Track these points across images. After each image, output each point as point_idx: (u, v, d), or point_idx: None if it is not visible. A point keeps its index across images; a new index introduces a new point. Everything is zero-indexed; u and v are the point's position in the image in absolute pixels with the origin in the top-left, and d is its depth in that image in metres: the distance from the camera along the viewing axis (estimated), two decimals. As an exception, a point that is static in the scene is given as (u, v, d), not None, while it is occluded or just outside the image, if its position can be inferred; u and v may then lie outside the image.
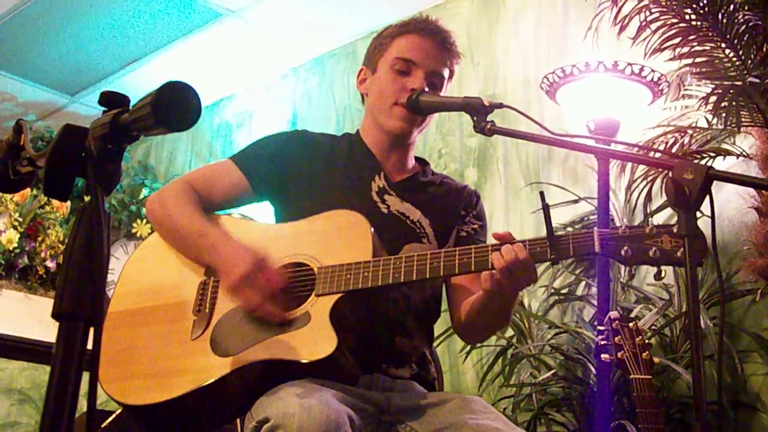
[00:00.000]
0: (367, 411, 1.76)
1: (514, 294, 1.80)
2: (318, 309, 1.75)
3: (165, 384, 1.76)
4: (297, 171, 2.04)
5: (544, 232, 1.68)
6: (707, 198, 1.36)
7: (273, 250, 1.88)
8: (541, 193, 1.66)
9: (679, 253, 1.58)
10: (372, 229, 1.84)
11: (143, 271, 2.01)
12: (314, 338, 1.70)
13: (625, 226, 1.66)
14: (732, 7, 2.63)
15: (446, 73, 2.07)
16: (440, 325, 2.13)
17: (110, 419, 3.09)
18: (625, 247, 1.63)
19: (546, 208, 1.65)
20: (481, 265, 1.72)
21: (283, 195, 2.05)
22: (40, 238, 4.01)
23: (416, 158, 2.18)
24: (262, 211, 2.20)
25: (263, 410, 1.60)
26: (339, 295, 1.76)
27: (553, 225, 1.68)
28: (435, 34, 2.06)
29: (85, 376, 0.98)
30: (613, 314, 2.02)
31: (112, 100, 1.05)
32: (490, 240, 2.16)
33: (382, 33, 2.13)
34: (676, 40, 2.74)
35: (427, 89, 1.98)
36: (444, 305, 2.09)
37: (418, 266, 1.75)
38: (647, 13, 2.76)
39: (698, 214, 1.37)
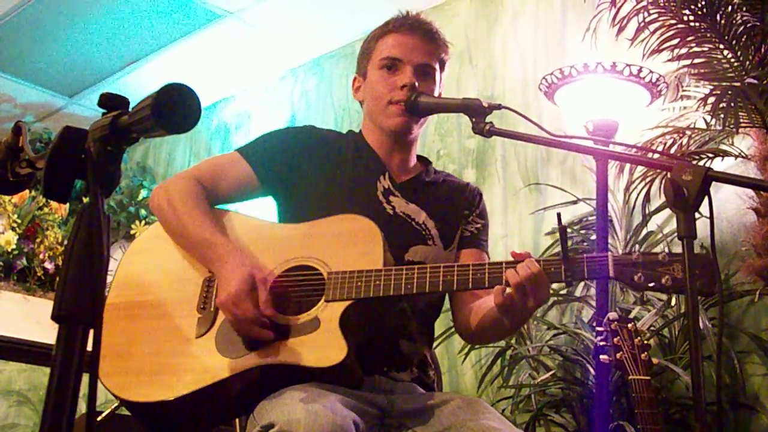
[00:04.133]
0: (371, 414, 1.75)
1: (526, 312, 1.75)
2: (328, 315, 1.74)
3: (167, 382, 1.75)
4: (305, 167, 2.02)
5: (542, 233, 1.69)
6: (706, 199, 1.37)
7: (281, 251, 1.87)
8: (558, 216, 1.66)
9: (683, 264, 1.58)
10: (383, 236, 1.82)
11: (143, 263, 1.98)
12: (324, 345, 1.69)
13: (638, 252, 1.68)
14: (730, 8, 2.63)
15: (435, 64, 2.06)
16: (440, 326, 2.13)
17: (104, 414, 3.09)
18: (639, 274, 1.64)
19: (563, 231, 1.65)
20: (494, 281, 1.71)
21: (290, 191, 2.03)
22: (38, 240, 4.00)
23: (418, 157, 2.17)
24: (262, 208, 2.19)
25: (267, 415, 1.59)
26: (349, 303, 1.74)
27: (552, 225, 1.68)
28: (415, 28, 2.06)
29: (85, 378, 0.97)
30: (612, 315, 2.02)
31: (111, 102, 1.05)
32: (492, 237, 2.16)
33: (367, 38, 2.13)
34: (675, 41, 2.74)
35: (417, 83, 1.98)
36: (445, 305, 2.09)
37: (431, 279, 1.74)
38: (646, 14, 2.76)
39: (697, 215, 1.37)
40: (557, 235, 1.72)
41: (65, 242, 3.85)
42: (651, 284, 1.63)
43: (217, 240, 1.86)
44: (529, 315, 1.81)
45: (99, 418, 3.07)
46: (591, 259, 1.68)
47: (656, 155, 2.57)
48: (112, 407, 3.09)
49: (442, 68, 2.09)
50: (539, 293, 1.69)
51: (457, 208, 2.09)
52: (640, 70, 2.76)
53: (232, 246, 1.85)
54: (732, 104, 2.55)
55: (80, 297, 0.98)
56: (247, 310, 1.72)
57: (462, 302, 2.00)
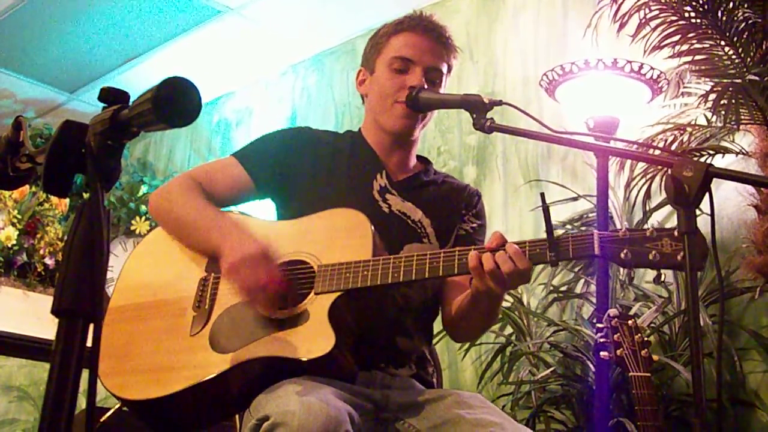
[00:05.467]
0: (366, 408, 1.76)
1: (503, 295, 1.81)
2: (317, 307, 1.75)
3: (163, 379, 1.76)
4: (300, 168, 2.04)
5: (543, 230, 1.68)
6: (707, 195, 1.36)
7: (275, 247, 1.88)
8: (542, 195, 1.65)
9: (679, 257, 1.57)
10: (372, 228, 1.83)
11: (144, 267, 2.01)
12: (312, 336, 1.70)
13: (625, 228, 1.66)
14: (731, 4, 2.63)
15: (444, 68, 2.06)
16: (439, 323, 2.13)
17: (107, 415, 3.09)
18: (625, 250, 1.62)
19: (546, 210, 1.64)
20: None
21: (286, 192, 2.04)
22: (38, 235, 4.01)
23: (419, 157, 2.18)
24: (262, 209, 2.19)
25: (263, 408, 1.60)
26: (338, 294, 1.75)
27: (553, 223, 1.67)
28: (430, 30, 2.05)
29: (85, 374, 0.97)
30: (612, 312, 2.02)
31: (111, 96, 1.05)
32: (489, 235, 2.16)
33: (378, 33, 2.12)
34: (676, 38, 2.74)
35: (426, 86, 1.98)
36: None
37: (417, 266, 1.75)
38: (647, 10, 2.76)
39: (697, 211, 1.37)
40: (557, 231, 1.71)
41: (65, 237, 3.85)
42: (639, 261, 1.62)
43: (219, 218, 1.90)
44: (503, 297, 1.86)
45: (106, 416, 3.07)
46: (576, 238, 1.67)
47: (657, 152, 2.56)
48: (118, 405, 3.09)
49: (449, 72, 2.09)
50: (521, 279, 1.71)
51: (454, 208, 2.10)
52: (641, 67, 2.75)
53: (234, 222, 1.88)
54: (733, 101, 2.55)
55: (80, 292, 0.98)
56: (261, 274, 1.73)
57: (451, 296, 2.01)
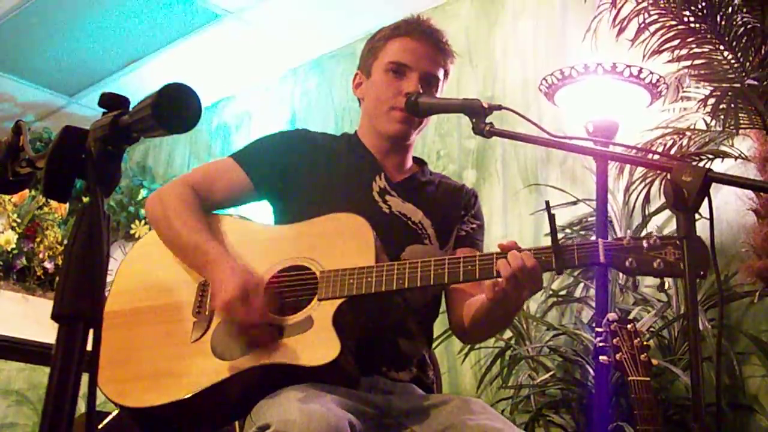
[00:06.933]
0: (368, 414, 1.75)
1: (519, 302, 1.78)
2: (321, 313, 1.74)
3: (164, 386, 1.76)
4: (298, 170, 2.03)
5: (542, 234, 1.69)
6: (706, 200, 1.36)
7: (275, 253, 1.87)
8: (547, 203, 1.66)
9: (682, 266, 1.58)
10: (374, 233, 1.83)
11: (141, 270, 1.99)
12: (317, 343, 1.70)
13: (629, 237, 1.66)
14: (731, 9, 2.63)
15: (441, 73, 2.06)
16: (439, 327, 2.13)
17: (107, 420, 3.08)
18: (630, 259, 1.63)
19: (552, 219, 1.65)
20: (485, 273, 1.71)
21: (284, 194, 2.04)
22: (38, 239, 4.00)
23: (414, 158, 2.18)
24: (260, 211, 2.19)
25: (263, 415, 1.60)
26: (342, 300, 1.75)
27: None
28: (428, 35, 2.05)
29: (84, 378, 0.97)
30: (612, 316, 2.02)
31: (112, 102, 1.05)
32: (488, 239, 2.17)
33: (375, 36, 2.12)
34: (675, 42, 2.74)
35: (422, 91, 1.98)
36: (441, 306, 2.09)
37: (422, 273, 1.74)
38: (646, 15, 2.76)
39: (696, 216, 1.37)
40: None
41: (65, 242, 3.85)
42: (643, 269, 1.62)
43: (209, 246, 1.86)
44: (521, 305, 1.81)
45: (105, 421, 3.07)
46: (581, 246, 1.68)
47: (656, 156, 2.57)
48: (117, 410, 3.09)
49: (445, 77, 2.09)
50: (532, 283, 1.69)
51: (453, 209, 2.10)
52: (640, 71, 2.76)
53: (223, 251, 1.86)
54: (732, 105, 2.55)
55: (80, 296, 0.98)
56: (243, 316, 1.73)
57: (456, 301, 2.01)
